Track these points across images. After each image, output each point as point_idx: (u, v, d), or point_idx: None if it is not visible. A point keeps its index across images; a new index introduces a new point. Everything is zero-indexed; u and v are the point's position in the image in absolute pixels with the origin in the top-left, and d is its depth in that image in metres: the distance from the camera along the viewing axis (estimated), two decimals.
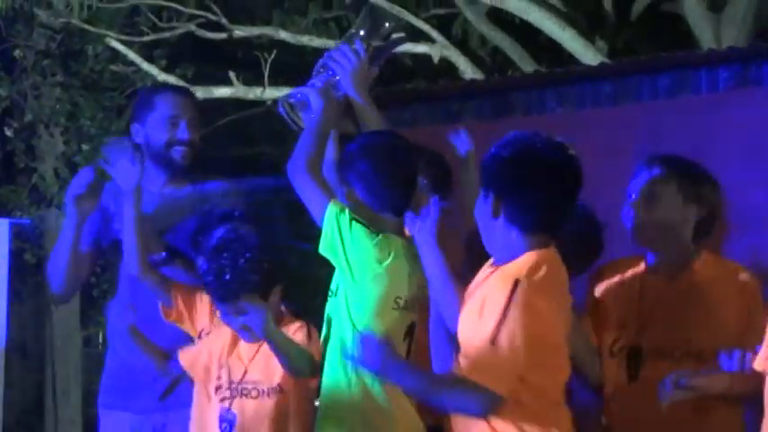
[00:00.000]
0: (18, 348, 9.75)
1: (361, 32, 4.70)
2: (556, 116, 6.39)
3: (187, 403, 4.96)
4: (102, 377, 5.45)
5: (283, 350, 4.36)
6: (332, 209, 4.29)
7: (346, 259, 4.27)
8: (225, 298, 4.53)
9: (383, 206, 4.36)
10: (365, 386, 4.22)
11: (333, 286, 4.42)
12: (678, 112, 5.98)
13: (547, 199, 3.77)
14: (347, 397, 4.28)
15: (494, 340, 3.63)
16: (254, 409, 4.59)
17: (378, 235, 4.28)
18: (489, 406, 3.67)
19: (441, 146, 5.92)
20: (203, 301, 4.89)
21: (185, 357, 4.81)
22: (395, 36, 4.82)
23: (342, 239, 4.27)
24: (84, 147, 10.53)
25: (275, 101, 4.99)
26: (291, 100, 4.72)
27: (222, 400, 4.65)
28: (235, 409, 4.61)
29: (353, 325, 4.24)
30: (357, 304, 4.28)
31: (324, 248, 4.30)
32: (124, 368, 5.31)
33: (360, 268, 4.27)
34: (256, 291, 4.50)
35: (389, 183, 4.39)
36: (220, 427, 4.63)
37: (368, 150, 4.43)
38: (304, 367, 4.37)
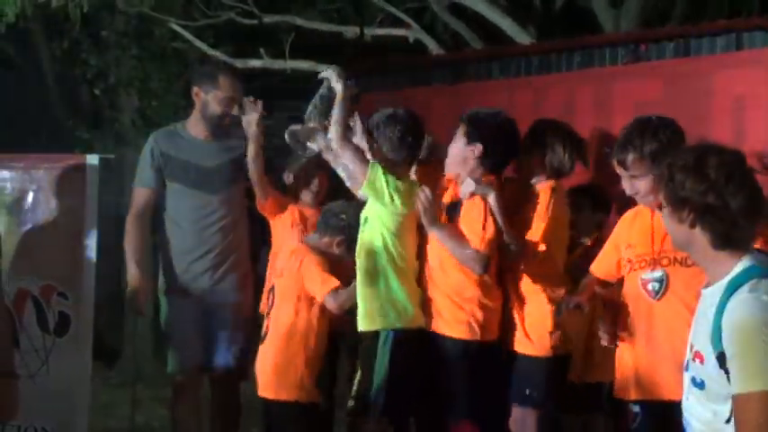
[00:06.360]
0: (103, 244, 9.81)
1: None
2: (498, 82, 6.32)
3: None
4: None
5: None
6: (373, 164, 4.45)
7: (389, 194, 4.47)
8: None
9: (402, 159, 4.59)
10: None
11: (362, 218, 4.63)
12: (586, 79, 5.92)
13: None
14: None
15: None
16: None
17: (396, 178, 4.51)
18: None
19: (415, 102, 5.94)
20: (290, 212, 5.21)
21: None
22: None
23: (386, 182, 4.46)
24: (153, 103, 10.43)
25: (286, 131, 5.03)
26: (291, 130, 4.92)
27: None
28: None
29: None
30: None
31: (367, 188, 4.51)
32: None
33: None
34: None
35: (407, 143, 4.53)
36: None
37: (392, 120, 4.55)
38: None
